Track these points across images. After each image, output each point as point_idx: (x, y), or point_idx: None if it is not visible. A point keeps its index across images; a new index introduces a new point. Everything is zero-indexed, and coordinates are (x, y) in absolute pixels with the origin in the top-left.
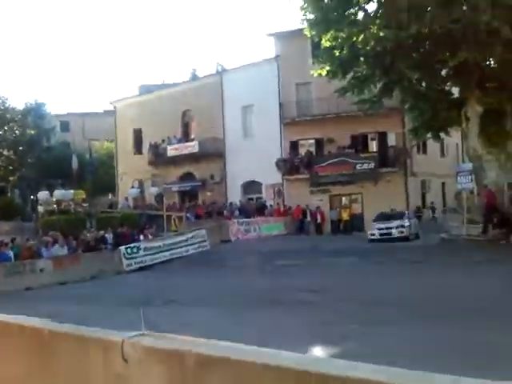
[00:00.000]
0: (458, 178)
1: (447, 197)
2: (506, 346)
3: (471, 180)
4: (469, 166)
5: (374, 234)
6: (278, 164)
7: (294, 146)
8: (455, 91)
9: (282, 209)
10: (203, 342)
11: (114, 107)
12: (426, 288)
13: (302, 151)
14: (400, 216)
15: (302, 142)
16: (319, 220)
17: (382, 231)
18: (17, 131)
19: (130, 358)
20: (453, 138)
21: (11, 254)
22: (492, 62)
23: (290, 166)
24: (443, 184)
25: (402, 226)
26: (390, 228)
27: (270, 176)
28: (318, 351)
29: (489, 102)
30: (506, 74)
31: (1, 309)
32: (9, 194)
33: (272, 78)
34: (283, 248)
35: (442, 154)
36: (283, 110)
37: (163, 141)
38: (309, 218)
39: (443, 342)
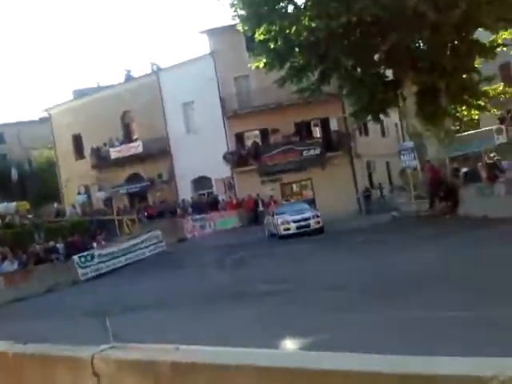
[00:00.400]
0: (401, 156)
1: (393, 175)
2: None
3: (414, 157)
4: (410, 143)
5: (288, 229)
6: (225, 157)
7: (240, 138)
8: (389, 74)
9: (234, 202)
10: (176, 348)
11: (49, 114)
12: (379, 269)
13: (248, 143)
14: (305, 206)
15: (246, 133)
16: None
17: (298, 223)
18: None
19: (101, 373)
20: (392, 118)
21: None
22: (421, 44)
23: (238, 158)
24: (387, 163)
25: (318, 216)
26: (307, 219)
27: (219, 170)
28: (288, 344)
29: (423, 81)
30: (436, 54)
31: None
32: None
33: (210, 74)
34: (239, 241)
35: (383, 134)
36: (224, 104)
37: (105, 144)
38: (262, 208)
39: (407, 323)
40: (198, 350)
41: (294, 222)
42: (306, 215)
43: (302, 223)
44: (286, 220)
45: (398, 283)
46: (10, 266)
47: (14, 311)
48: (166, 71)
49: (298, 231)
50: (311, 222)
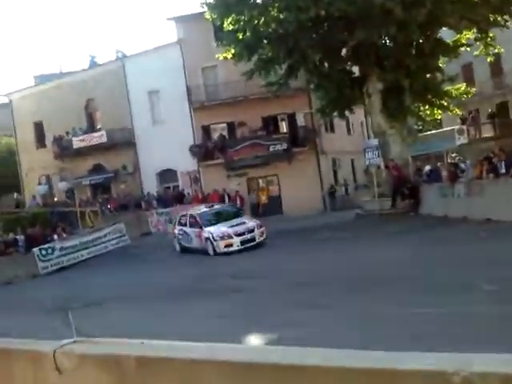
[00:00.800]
0: (366, 153)
1: (357, 173)
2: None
3: (378, 155)
4: (375, 141)
5: (230, 245)
6: (192, 150)
7: (206, 130)
8: (356, 70)
9: (200, 196)
10: (140, 343)
11: (10, 100)
12: (341, 264)
13: (215, 135)
14: (235, 213)
15: (213, 126)
16: (238, 204)
17: (243, 237)
18: None
19: (63, 367)
20: (358, 115)
21: None
22: (388, 41)
23: (205, 151)
24: (352, 161)
25: (261, 226)
26: (252, 231)
27: (185, 163)
28: (254, 339)
29: (387, 78)
30: (401, 52)
31: None
32: None
33: (177, 63)
34: None
35: (349, 131)
36: (191, 95)
37: (67, 133)
38: (238, 204)
39: (373, 316)
40: (163, 345)
41: (238, 235)
42: (250, 225)
43: (248, 236)
44: (226, 233)
45: (362, 280)
46: None
47: None
48: (131, 58)
49: (243, 247)
50: (256, 234)
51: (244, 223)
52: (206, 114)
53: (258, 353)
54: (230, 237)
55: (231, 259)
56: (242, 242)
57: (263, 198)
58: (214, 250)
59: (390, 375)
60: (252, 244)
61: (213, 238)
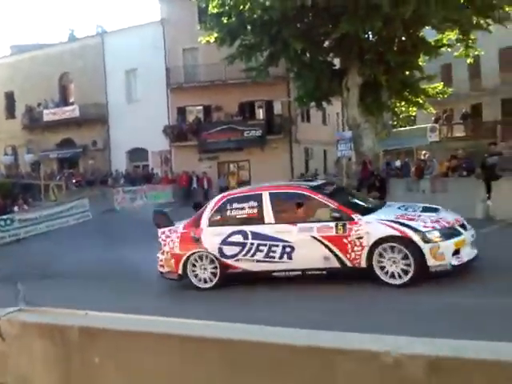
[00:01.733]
0: (338, 145)
1: (328, 164)
2: None
3: (350, 147)
4: (348, 133)
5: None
6: (165, 131)
7: (182, 112)
8: (337, 62)
9: (169, 176)
10: (85, 314)
11: None
12: None
13: (190, 118)
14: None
15: (189, 108)
16: (206, 186)
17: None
18: None
19: (7, 335)
20: (334, 107)
21: None
22: (371, 35)
23: (178, 132)
24: (325, 151)
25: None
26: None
27: (157, 143)
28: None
29: (366, 73)
30: (383, 48)
31: None
32: None
33: (157, 42)
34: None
35: (324, 122)
36: (170, 76)
37: (39, 105)
38: (195, 185)
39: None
40: (106, 317)
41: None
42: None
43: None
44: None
45: None
46: None
47: None
48: (111, 35)
49: None
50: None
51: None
52: (183, 95)
53: (184, 325)
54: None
55: None
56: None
57: (232, 183)
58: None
59: (328, 353)
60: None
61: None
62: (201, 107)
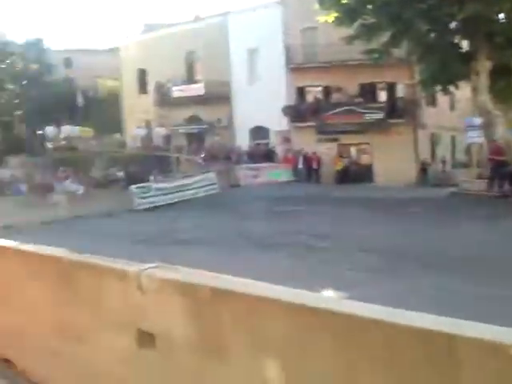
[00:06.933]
0: (468, 132)
1: (457, 150)
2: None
3: (481, 135)
4: (478, 120)
5: None
6: (284, 110)
7: (301, 92)
8: (465, 45)
9: (290, 155)
10: (216, 275)
11: (119, 45)
12: (420, 239)
13: (310, 98)
14: None
15: (308, 88)
16: (315, 166)
17: None
18: (19, 65)
19: (146, 288)
20: (463, 91)
21: (24, 187)
22: (501, 17)
23: (297, 113)
24: (453, 138)
25: None
26: None
27: (278, 122)
28: (327, 293)
29: (497, 57)
30: None
31: (19, 240)
32: (15, 129)
33: (277, 22)
34: (291, 194)
35: (452, 107)
36: (289, 56)
37: (168, 81)
38: (301, 165)
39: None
40: (237, 281)
41: None
42: None
43: None
44: None
45: (439, 256)
46: (72, 186)
47: (71, 227)
48: (234, 14)
49: None
50: None
51: None
52: (303, 75)
53: (319, 300)
54: None
55: (312, 219)
56: None
57: (353, 166)
58: None
59: (445, 339)
60: None
61: None
62: (320, 88)
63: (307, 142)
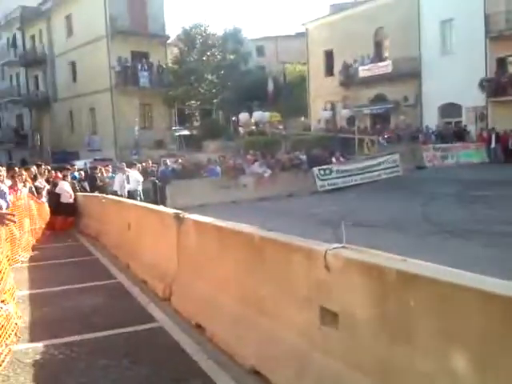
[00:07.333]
0: None
1: None
2: None
3: None
4: None
5: None
6: (481, 84)
7: (502, 63)
8: None
9: (485, 134)
10: (404, 260)
11: (306, 29)
12: None
13: (511, 69)
14: None
15: (511, 58)
16: (510, 146)
17: None
18: (218, 56)
19: (332, 267)
20: None
21: (219, 170)
22: None
23: (496, 85)
24: None
25: None
26: None
27: (472, 98)
28: None
29: None
30: None
31: (214, 217)
32: (213, 116)
33: None
34: (485, 178)
35: None
36: (489, 23)
37: (355, 61)
38: (494, 144)
39: None
40: (426, 265)
41: None
42: None
43: None
44: None
45: None
46: (260, 168)
47: (258, 207)
48: None
49: None
50: None
51: None
52: (504, 44)
53: None
54: None
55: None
56: None
57: None
58: None
59: None
60: None
61: None
62: None
63: (507, 118)
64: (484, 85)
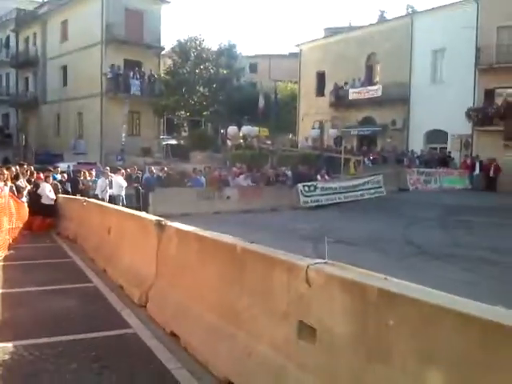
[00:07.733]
0: None
1: None
2: None
3: None
4: None
5: None
6: (468, 113)
7: (490, 94)
8: None
9: (469, 162)
10: (385, 278)
11: (300, 50)
12: None
13: (499, 101)
14: None
15: (499, 90)
16: (492, 174)
17: None
18: (211, 70)
19: (313, 282)
20: None
21: (204, 180)
22: None
23: (483, 115)
24: None
25: None
26: None
27: (458, 126)
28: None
29: None
30: None
31: (196, 226)
32: (202, 127)
33: (469, 21)
34: (466, 203)
35: None
36: (480, 56)
37: (346, 84)
38: (478, 171)
39: None
40: (407, 285)
41: None
42: None
43: None
44: None
45: None
46: (244, 181)
47: (241, 219)
48: (421, 15)
49: None
50: None
51: None
52: (493, 76)
53: (489, 312)
54: None
55: (492, 232)
56: None
57: None
58: None
59: None
60: None
61: None
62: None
63: (491, 147)
64: (471, 114)
